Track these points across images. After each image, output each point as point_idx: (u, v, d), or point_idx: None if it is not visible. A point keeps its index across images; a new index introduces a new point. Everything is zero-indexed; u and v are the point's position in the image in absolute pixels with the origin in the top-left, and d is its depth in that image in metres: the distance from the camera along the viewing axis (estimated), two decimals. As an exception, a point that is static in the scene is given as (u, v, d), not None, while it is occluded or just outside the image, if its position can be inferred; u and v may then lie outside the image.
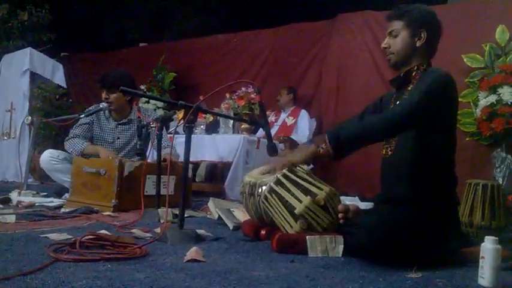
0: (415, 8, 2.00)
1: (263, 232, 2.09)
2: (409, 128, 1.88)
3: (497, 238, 1.50)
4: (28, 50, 5.46)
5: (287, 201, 1.88)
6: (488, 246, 1.49)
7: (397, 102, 2.03)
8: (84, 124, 3.46)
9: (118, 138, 3.51)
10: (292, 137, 4.73)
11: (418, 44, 1.97)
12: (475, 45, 4.15)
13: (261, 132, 4.64)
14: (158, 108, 6.01)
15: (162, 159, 2.86)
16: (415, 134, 1.90)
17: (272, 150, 2.17)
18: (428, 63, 2.01)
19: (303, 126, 5.01)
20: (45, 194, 3.55)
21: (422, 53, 1.99)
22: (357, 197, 3.44)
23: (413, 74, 1.98)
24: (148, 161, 3.05)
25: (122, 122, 3.52)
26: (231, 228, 2.43)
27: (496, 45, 4.02)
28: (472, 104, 4.06)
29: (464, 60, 4.10)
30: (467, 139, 4.06)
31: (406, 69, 2.01)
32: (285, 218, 1.89)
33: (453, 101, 1.94)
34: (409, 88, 1.98)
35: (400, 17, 2.00)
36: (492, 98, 3.82)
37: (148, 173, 2.91)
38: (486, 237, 1.51)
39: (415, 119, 1.82)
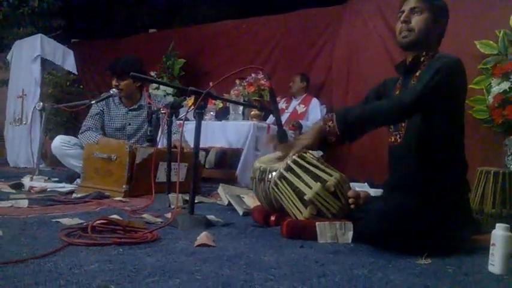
0: None
1: (273, 218, 2.10)
2: (417, 112, 1.86)
3: (508, 225, 1.49)
4: (39, 36, 5.46)
5: (297, 187, 1.88)
6: (499, 233, 1.48)
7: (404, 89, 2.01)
8: (95, 115, 3.49)
9: (129, 124, 3.53)
10: (302, 123, 4.71)
11: (437, 31, 1.96)
12: (488, 31, 4.08)
13: (271, 118, 4.63)
14: (168, 94, 6.03)
15: (172, 145, 2.88)
16: (423, 120, 1.89)
17: (282, 136, 2.17)
18: (437, 50, 1.98)
19: (315, 114, 4.99)
20: (56, 179, 3.59)
21: (434, 40, 1.98)
22: (366, 184, 3.43)
23: (422, 59, 1.96)
24: (159, 147, 3.07)
25: (132, 108, 3.54)
26: (240, 214, 2.44)
27: (510, 31, 3.96)
28: (485, 90, 4.01)
29: (478, 46, 4.04)
30: (483, 125, 4.02)
31: (413, 54, 1.98)
32: (294, 204, 1.89)
33: (462, 86, 1.92)
34: (417, 74, 1.96)
35: None
36: (505, 85, 3.76)
37: (161, 160, 2.93)
38: (497, 224, 1.51)
39: (423, 104, 1.80)
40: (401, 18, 1.97)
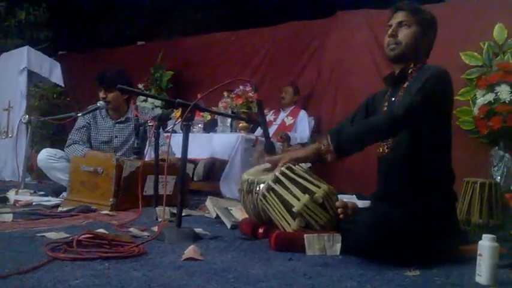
0: (426, 10, 2.02)
1: (261, 230, 2.09)
2: (410, 127, 1.89)
3: (494, 236, 1.50)
4: (26, 48, 5.42)
5: (285, 199, 1.87)
6: (486, 244, 1.49)
7: (393, 99, 2.03)
8: (82, 127, 3.46)
9: (116, 137, 3.51)
10: (290, 135, 4.72)
11: (423, 43, 1.99)
12: (472, 43, 4.14)
13: (259, 131, 4.63)
14: (156, 107, 6.00)
15: (159, 158, 2.86)
16: (410, 131, 1.90)
17: (270, 148, 2.17)
18: (424, 62, 2.02)
19: (303, 126, 5.00)
20: (42, 193, 3.54)
21: (423, 53, 2.02)
22: (354, 196, 3.44)
23: (410, 71, 1.99)
24: (146, 159, 3.05)
25: (119, 120, 3.52)
26: (228, 226, 2.43)
27: (494, 43, 4.02)
28: (470, 102, 4.06)
29: (462, 57, 4.10)
30: (470, 136, 4.06)
31: (401, 66, 2.01)
32: (283, 216, 1.89)
33: (449, 97, 1.95)
34: (405, 85, 1.98)
35: (412, 12, 1.99)
36: (490, 97, 3.81)
37: (149, 173, 2.90)
38: (484, 235, 1.51)
39: (414, 116, 1.82)
40: (389, 32, 2.00)
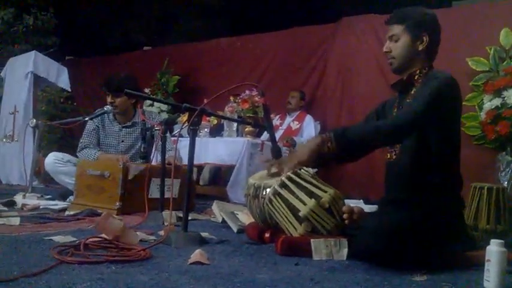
0: (416, 12, 2.00)
1: (267, 235, 2.08)
2: (413, 133, 1.88)
3: (503, 241, 1.49)
4: (33, 53, 5.46)
5: (291, 203, 1.87)
6: (494, 249, 1.48)
7: (401, 107, 2.03)
8: (92, 131, 3.48)
9: (122, 141, 3.52)
10: (296, 140, 4.72)
11: (420, 48, 1.97)
12: (479, 48, 4.13)
13: (265, 135, 4.64)
14: (162, 111, 6.02)
15: (166, 162, 2.87)
16: (418, 137, 1.90)
17: (276, 152, 2.17)
18: (430, 65, 2.00)
19: (309, 131, 5.00)
20: (49, 196, 3.55)
21: (424, 56, 1.99)
22: (361, 201, 3.43)
23: (416, 77, 1.98)
24: (153, 163, 3.06)
25: (126, 125, 3.53)
26: (235, 231, 2.43)
27: (500, 48, 4.01)
28: (477, 107, 4.04)
29: (469, 63, 4.08)
30: (474, 142, 4.04)
31: (408, 72, 2.01)
32: (289, 221, 1.89)
33: (457, 104, 1.95)
34: (412, 92, 1.98)
35: (400, 21, 1.99)
36: (497, 101, 3.80)
37: (153, 176, 2.91)
38: (492, 240, 1.51)
39: (419, 125, 1.82)
40: (383, 49, 2.04)
